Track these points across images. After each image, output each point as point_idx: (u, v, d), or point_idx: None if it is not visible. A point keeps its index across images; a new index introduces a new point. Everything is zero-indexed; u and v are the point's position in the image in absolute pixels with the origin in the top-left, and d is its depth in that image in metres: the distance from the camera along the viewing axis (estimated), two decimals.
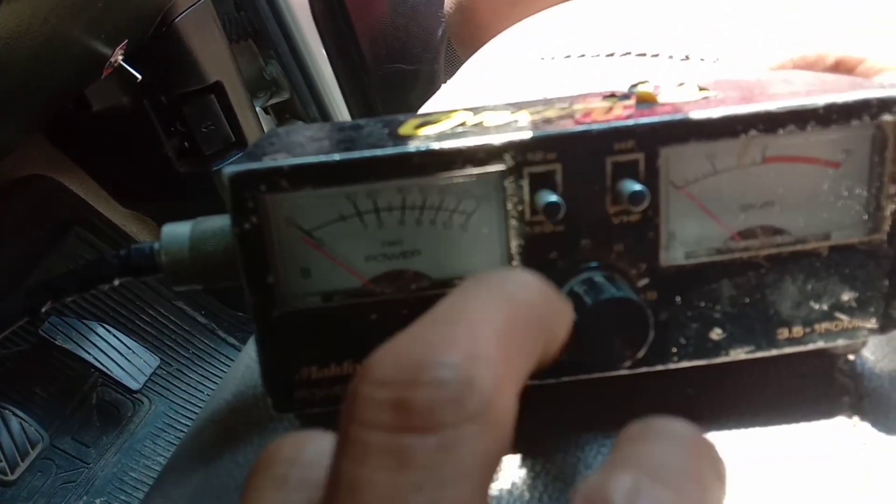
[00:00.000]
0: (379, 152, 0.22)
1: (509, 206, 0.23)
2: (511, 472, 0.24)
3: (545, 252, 0.23)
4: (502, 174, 0.22)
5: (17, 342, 0.91)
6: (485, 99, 0.42)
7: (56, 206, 0.95)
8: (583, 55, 0.42)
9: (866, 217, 0.24)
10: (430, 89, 0.59)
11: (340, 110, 1.04)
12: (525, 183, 0.22)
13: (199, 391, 1.00)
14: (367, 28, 0.96)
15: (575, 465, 0.24)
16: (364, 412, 0.15)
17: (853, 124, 0.22)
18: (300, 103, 1.06)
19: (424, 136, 0.23)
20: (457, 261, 0.24)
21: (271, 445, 0.17)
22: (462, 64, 0.53)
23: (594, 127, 0.22)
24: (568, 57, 0.42)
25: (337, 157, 0.22)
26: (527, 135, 0.22)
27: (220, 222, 0.26)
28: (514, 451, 0.25)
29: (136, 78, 0.76)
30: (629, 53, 0.41)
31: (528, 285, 0.18)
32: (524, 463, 0.24)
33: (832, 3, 0.40)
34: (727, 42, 0.38)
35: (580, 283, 0.22)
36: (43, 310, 0.29)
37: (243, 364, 0.32)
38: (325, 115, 1.05)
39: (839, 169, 0.24)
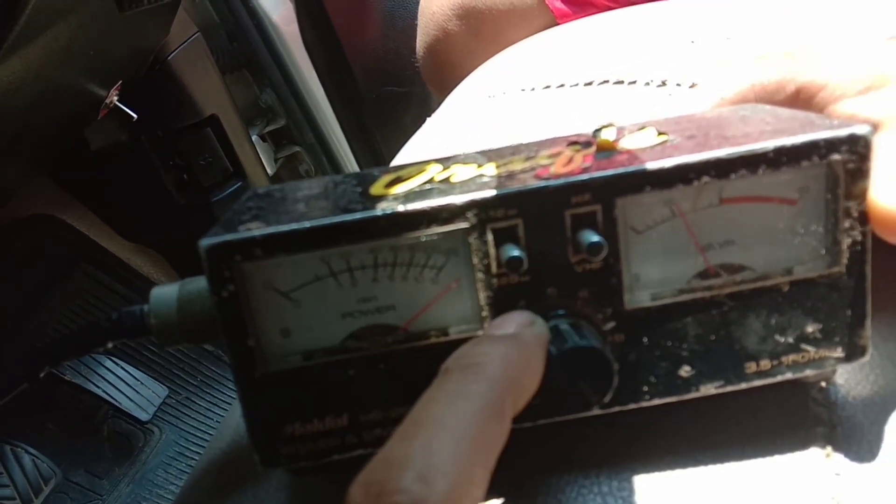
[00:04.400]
0: (348, 217, 0.23)
1: (475, 260, 0.24)
2: None
3: (513, 302, 0.24)
4: (467, 231, 0.23)
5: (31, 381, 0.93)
6: (466, 137, 0.43)
7: (60, 243, 0.97)
8: (562, 85, 0.43)
9: (824, 251, 0.24)
10: (424, 110, 0.60)
11: (336, 135, 1.05)
12: (489, 238, 0.23)
13: (209, 418, 1.01)
14: (358, 53, 0.98)
15: None
16: None
17: (804, 165, 0.23)
18: (296, 129, 1.07)
19: (393, 197, 0.24)
20: (430, 314, 0.25)
21: None
22: None
23: (552, 183, 0.23)
24: (547, 87, 0.43)
25: (308, 224, 0.23)
26: (488, 193, 0.23)
27: (205, 283, 0.27)
28: (495, 496, 0.25)
29: (132, 117, 0.77)
30: (607, 82, 0.41)
31: (492, 360, 0.21)
32: None
33: (798, 23, 0.41)
34: (700, 65, 0.39)
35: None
36: (41, 375, 0.30)
37: (237, 413, 0.33)
38: (320, 139, 1.06)
39: (796, 206, 0.24)
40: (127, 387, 0.95)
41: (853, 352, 0.25)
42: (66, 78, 0.63)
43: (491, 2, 0.58)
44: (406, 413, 0.21)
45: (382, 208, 0.23)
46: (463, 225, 0.23)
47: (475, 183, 0.24)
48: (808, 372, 0.25)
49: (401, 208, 0.23)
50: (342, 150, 1.07)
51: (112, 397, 0.93)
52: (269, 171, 1.04)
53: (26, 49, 0.50)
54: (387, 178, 0.26)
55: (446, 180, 0.25)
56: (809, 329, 0.25)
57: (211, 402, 1.03)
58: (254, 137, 1.03)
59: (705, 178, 0.23)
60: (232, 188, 0.95)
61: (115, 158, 0.91)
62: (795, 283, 0.24)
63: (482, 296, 0.24)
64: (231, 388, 1.04)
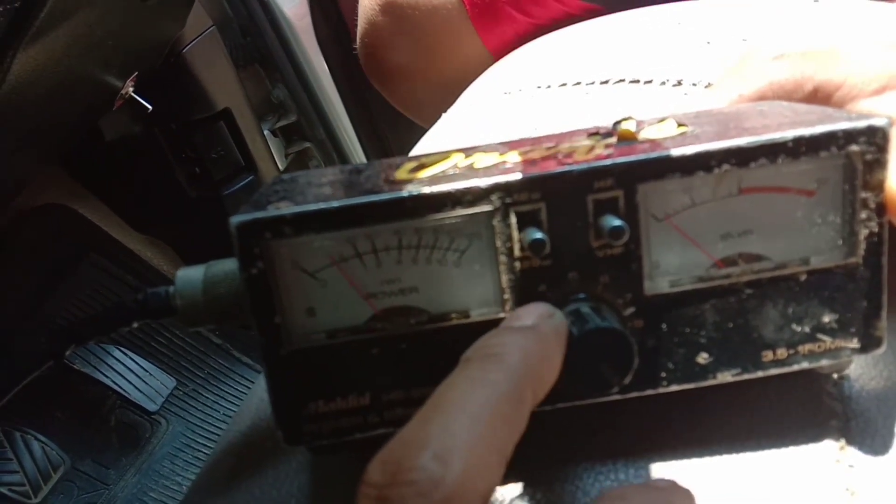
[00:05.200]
0: (374, 198, 0.24)
1: (498, 243, 0.24)
2: (511, 502, 0.25)
3: (534, 285, 0.24)
4: (490, 214, 0.24)
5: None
6: (483, 133, 0.43)
7: (71, 233, 0.97)
8: (578, 83, 0.43)
9: (841, 242, 0.25)
10: None
11: (347, 131, 1.06)
12: (512, 222, 0.24)
13: (216, 411, 1.02)
14: None
15: (574, 494, 0.25)
16: None
17: (822, 155, 0.24)
18: (307, 125, 1.07)
19: (418, 180, 0.25)
20: (452, 296, 0.25)
21: None
22: None
23: (575, 168, 0.23)
24: (563, 85, 0.44)
25: (335, 203, 0.24)
26: (512, 177, 0.23)
27: (231, 265, 0.28)
28: (513, 481, 0.26)
29: (147, 108, 0.78)
30: (623, 80, 0.42)
31: (511, 351, 0.21)
32: (524, 493, 0.26)
33: (817, 21, 0.41)
34: (715, 64, 0.39)
35: (567, 314, 0.24)
36: (66, 353, 0.30)
37: (256, 397, 0.34)
38: (331, 135, 1.07)
39: (813, 197, 0.25)
40: (135, 377, 0.95)
41: (869, 343, 0.25)
42: (85, 68, 0.64)
43: (413, 1, 0.59)
44: (428, 394, 0.21)
45: (408, 190, 0.24)
46: (487, 208, 0.24)
47: (498, 168, 0.25)
48: (824, 362, 0.25)
49: (426, 190, 0.24)
50: (352, 146, 1.08)
51: (120, 387, 0.94)
52: (280, 165, 1.05)
53: (49, 37, 0.51)
54: (410, 164, 0.27)
55: (470, 166, 0.26)
56: (826, 319, 0.25)
57: (218, 395, 1.04)
58: (265, 132, 1.03)
59: (725, 167, 0.23)
60: (243, 182, 0.95)
61: (128, 150, 0.91)
62: (812, 273, 0.25)
63: (504, 279, 0.24)
64: (239, 382, 1.05)
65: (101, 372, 0.93)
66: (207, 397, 1.03)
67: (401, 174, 0.26)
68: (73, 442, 0.94)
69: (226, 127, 0.91)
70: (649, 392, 0.25)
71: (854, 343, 0.25)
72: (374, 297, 0.25)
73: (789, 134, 0.23)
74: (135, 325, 0.30)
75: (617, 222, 0.23)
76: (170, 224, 0.99)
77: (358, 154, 1.09)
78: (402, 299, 0.25)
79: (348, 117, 1.04)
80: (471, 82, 0.52)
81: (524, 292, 0.24)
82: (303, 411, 0.25)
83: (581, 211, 0.24)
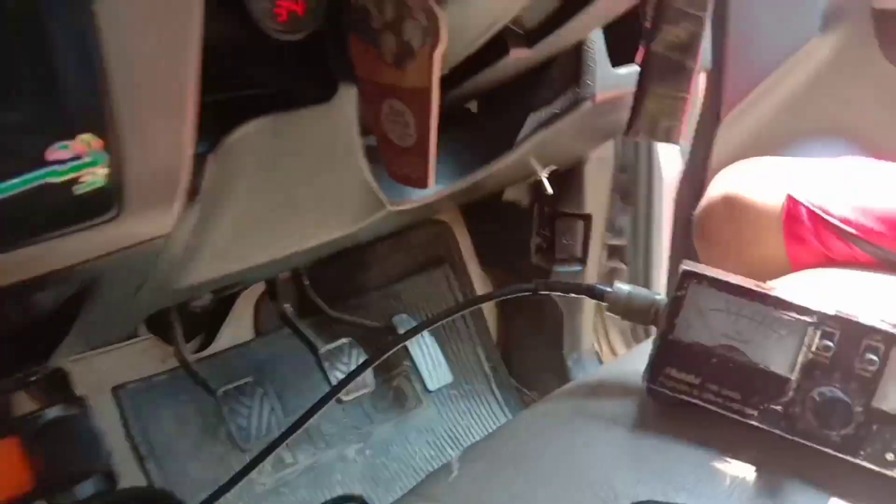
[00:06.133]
0: (755, 287, 0.47)
1: (805, 339, 0.46)
2: None
3: (813, 369, 0.46)
4: (808, 323, 0.46)
5: (377, 320, 1.28)
6: None
7: (443, 245, 1.32)
8: None
9: None
10: None
11: (660, 273, 1.30)
12: (818, 333, 0.46)
13: (460, 417, 1.28)
14: None
15: None
16: None
17: None
18: (631, 252, 1.34)
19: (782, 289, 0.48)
20: (765, 353, 0.47)
21: None
22: None
23: (864, 322, 0.45)
24: None
25: (733, 280, 0.48)
26: (831, 311, 0.46)
27: (648, 293, 0.53)
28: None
29: (548, 191, 1.10)
30: None
31: None
32: None
33: None
34: None
35: (827, 389, 0.45)
36: (541, 291, 0.57)
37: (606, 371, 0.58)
38: (646, 269, 1.32)
39: None
40: (430, 359, 1.26)
41: None
42: (534, 157, 0.96)
43: (747, 201, 0.81)
44: (731, 395, 0.44)
45: (773, 292, 0.47)
46: (809, 319, 0.46)
47: (825, 305, 0.47)
48: None
49: (782, 296, 0.47)
50: (659, 283, 1.32)
51: (417, 361, 1.25)
52: (598, 271, 1.32)
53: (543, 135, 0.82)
54: None
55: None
56: None
57: (467, 407, 1.30)
58: None
59: None
60: (571, 269, 1.24)
61: (511, 210, 1.25)
62: None
63: (799, 358, 0.46)
64: (483, 407, 1.31)
65: (413, 342, 1.24)
66: (461, 405, 1.30)
67: None
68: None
69: (582, 227, 1.21)
70: (850, 458, 0.45)
71: None
72: (724, 335, 0.48)
73: None
74: (581, 297, 0.56)
75: (874, 357, 0.44)
76: (506, 272, 1.31)
77: (660, 289, 1.32)
78: (738, 343, 0.48)
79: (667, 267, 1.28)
80: (766, 278, 0.75)
81: (807, 370, 0.46)
82: (663, 369, 0.49)
83: (857, 344, 0.45)
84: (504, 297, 0.63)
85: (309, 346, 1.16)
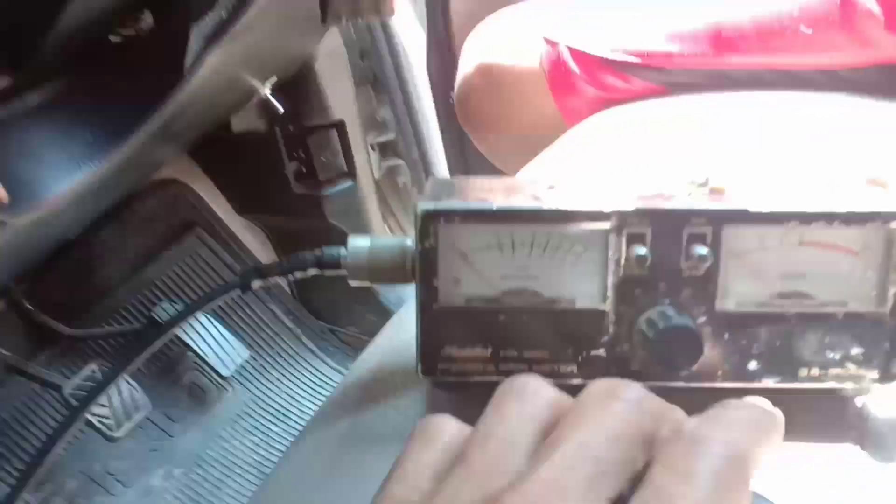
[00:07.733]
0: (524, 206, 0.32)
1: (609, 253, 0.32)
2: None
3: (631, 289, 0.32)
4: (607, 231, 0.32)
5: (131, 321, 1.04)
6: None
7: (183, 206, 1.09)
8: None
9: (874, 294, 0.32)
10: None
11: (438, 157, 1.15)
12: (623, 239, 0.32)
13: (277, 387, 1.11)
14: None
15: None
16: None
17: (868, 226, 0.31)
18: (403, 146, 1.18)
19: (558, 196, 0.33)
20: (565, 287, 0.33)
21: (422, 421, 0.24)
22: None
23: (678, 208, 0.31)
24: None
25: (494, 206, 0.32)
26: (630, 206, 0.32)
27: (395, 241, 0.36)
28: None
29: (279, 110, 0.89)
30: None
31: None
32: None
33: None
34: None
35: (656, 312, 0.31)
36: (253, 286, 0.39)
37: (381, 347, 0.42)
38: (423, 158, 1.17)
39: (857, 256, 0.32)
40: (215, 343, 1.05)
41: (886, 376, 0.32)
42: (244, 72, 0.74)
43: (503, 66, 0.71)
44: (536, 356, 0.31)
45: (548, 204, 0.32)
46: (606, 226, 0.32)
47: (621, 199, 0.33)
48: (849, 384, 0.33)
49: (563, 206, 0.32)
50: (440, 169, 1.17)
51: (200, 350, 1.04)
52: (375, 176, 1.15)
53: (233, 43, 0.61)
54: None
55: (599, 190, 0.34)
56: (854, 351, 0.32)
57: (281, 374, 1.13)
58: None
59: (793, 223, 0.31)
60: (343, 186, 1.05)
61: (248, 142, 1.02)
62: (848, 314, 0.32)
63: (609, 280, 0.32)
64: (303, 367, 1.14)
65: (185, 332, 1.03)
66: (272, 374, 1.12)
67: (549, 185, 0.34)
68: (149, 392, 1.03)
69: (337, 136, 1.02)
70: (706, 385, 0.33)
71: (874, 374, 0.32)
72: (505, 278, 0.33)
73: (844, 207, 0.31)
74: (310, 272, 0.38)
75: (703, 251, 0.31)
76: (270, 213, 1.10)
77: (443, 175, 1.18)
78: (526, 283, 0.33)
79: (442, 144, 1.14)
80: (546, 141, 0.63)
81: (622, 293, 0.32)
82: (440, 353, 0.33)
83: (677, 238, 0.32)
84: (212, 302, 0.44)
85: (51, 387, 0.91)
